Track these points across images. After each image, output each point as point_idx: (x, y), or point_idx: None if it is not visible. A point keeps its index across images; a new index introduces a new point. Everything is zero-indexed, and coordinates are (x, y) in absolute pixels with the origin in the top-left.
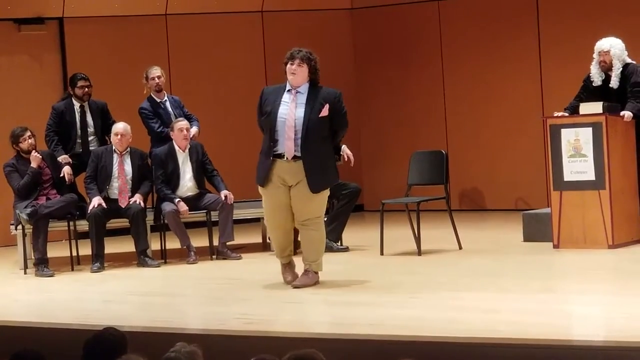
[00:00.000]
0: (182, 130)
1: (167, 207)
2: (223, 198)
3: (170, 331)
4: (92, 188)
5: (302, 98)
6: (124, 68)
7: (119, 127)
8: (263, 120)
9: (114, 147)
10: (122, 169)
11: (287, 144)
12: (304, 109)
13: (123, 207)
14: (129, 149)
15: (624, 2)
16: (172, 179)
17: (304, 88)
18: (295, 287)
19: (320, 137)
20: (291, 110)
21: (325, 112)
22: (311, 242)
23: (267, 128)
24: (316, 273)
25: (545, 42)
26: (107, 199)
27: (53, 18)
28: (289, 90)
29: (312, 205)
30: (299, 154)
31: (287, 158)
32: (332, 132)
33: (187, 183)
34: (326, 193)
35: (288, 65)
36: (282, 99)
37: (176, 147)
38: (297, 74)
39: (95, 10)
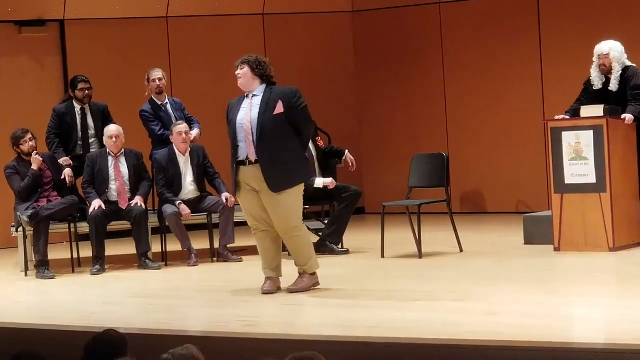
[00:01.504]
0: (181, 134)
1: (168, 209)
2: (224, 201)
3: (170, 333)
4: (90, 192)
5: (258, 100)
6: (124, 70)
7: (112, 129)
8: (228, 129)
9: (108, 150)
10: (119, 171)
11: (249, 148)
12: (258, 110)
13: (124, 208)
14: (123, 150)
15: (624, 5)
16: (174, 183)
17: (260, 90)
18: (291, 291)
19: (278, 136)
20: (246, 114)
21: (279, 109)
22: (297, 247)
23: (231, 136)
24: (312, 274)
25: (546, 45)
26: (107, 201)
27: (54, 20)
28: (246, 96)
29: (281, 210)
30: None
31: (250, 162)
32: (296, 130)
33: (188, 186)
34: (294, 194)
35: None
36: (242, 105)
37: (176, 151)
38: (241, 77)
39: (96, 13)
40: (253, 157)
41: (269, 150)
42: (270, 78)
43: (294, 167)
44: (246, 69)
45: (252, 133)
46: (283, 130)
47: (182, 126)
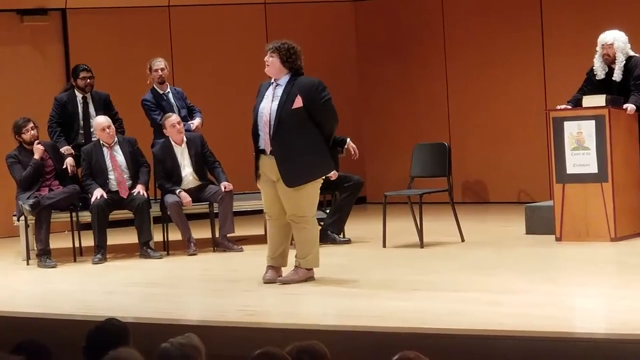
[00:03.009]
0: (174, 126)
1: (169, 198)
2: (222, 189)
3: (171, 322)
4: (90, 183)
5: (280, 90)
6: (126, 59)
7: (103, 120)
8: (252, 114)
9: (101, 142)
10: (115, 161)
11: (265, 139)
12: (278, 102)
13: (125, 197)
14: (116, 139)
15: None
16: (173, 174)
17: (284, 80)
18: (281, 282)
19: (295, 130)
20: (268, 103)
21: (298, 103)
22: (300, 238)
23: (252, 123)
24: (309, 270)
25: (548, 34)
26: (108, 191)
27: (56, 9)
28: (271, 84)
29: (295, 201)
30: None
31: (268, 153)
32: (317, 124)
33: (188, 177)
34: (311, 189)
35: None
36: (266, 93)
37: (172, 143)
38: (269, 65)
39: (98, 2)
40: (269, 149)
41: (285, 144)
42: (299, 69)
43: (312, 162)
44: (276, 58)
45: (270, 125)
46: (302, 124)
47: (173, 117)
